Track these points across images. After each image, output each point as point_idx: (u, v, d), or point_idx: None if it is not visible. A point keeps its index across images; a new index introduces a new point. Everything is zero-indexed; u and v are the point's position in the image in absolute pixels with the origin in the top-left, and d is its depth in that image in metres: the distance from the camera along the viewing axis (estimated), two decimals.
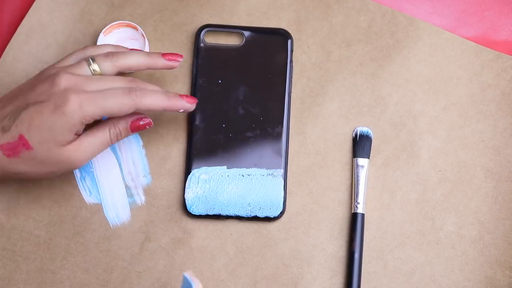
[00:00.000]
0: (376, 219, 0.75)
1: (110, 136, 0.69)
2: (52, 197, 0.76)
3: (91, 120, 0.66)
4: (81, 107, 0.65)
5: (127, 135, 0.70)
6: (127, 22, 0.77)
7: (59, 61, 0.71)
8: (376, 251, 0.74)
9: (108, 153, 0.76)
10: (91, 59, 0.69)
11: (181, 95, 0.70)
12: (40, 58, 0.78)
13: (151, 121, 0.70)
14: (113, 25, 0.77)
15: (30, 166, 0.67)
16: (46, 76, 0.68)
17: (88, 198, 0.76)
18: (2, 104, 0.67)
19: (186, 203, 0.74)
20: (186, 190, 0.75)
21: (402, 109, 0.77)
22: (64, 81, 0.66)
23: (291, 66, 0.77)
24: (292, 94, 0.77)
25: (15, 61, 0.78)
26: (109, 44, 0.72)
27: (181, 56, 0.72)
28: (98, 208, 0.75)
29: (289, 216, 0.75)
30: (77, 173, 0.76)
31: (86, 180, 0.76)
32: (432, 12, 0.79)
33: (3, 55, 0.78)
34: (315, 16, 0.79)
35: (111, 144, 0.69)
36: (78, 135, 0.67)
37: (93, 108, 0.65)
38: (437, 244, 0.74)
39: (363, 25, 0.78)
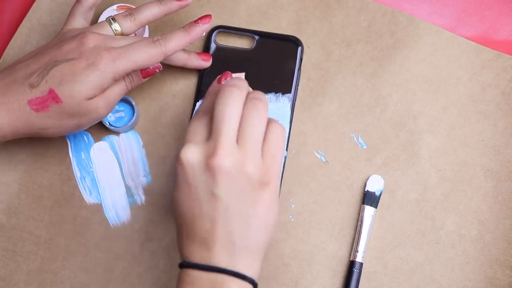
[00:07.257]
0: (376, 219, 0.75)
1: (126, 83, 0.71)
2: (53, 197, 0.76)
3: (123, 75, 0.69)
4: (114, 62, 0.68)
5: (139, 82, 0.72)
6: (128, 5, 0.77)
7: (66, 23, 0.72)
8: (376, 251, 0.74)
9: (108, 153, 0.76)
10: (112, 19, 0.71)
11: (195, 21, 0.73)
12: None
13: (160, 64, 0.72)
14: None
15: (58, 119, 0.68)
16: (71, 36, 0.70)
17: (88, 198, 0.76)
18: (26, 63, 0.69)
19: None
20: None
21: (402, 109, 0.77)
22: (92, 40, 0.69)
23: (299, 74, 0.77)
24: None
25: None
26: None
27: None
28: (98, 208, 0.75)
29: (289, 216, 0.75)
30: (77, 173, 0.76)
31: (86, 180, 0.76)
32: (432, 11, 0.79)
33: (3, 55, 0.78)
34: (315, 16, 0.79)
35: (128, 90, 0.71)
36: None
37: (125, 62, 0.68)
38: (437, 243, 0.74)
39: (363, 25, 0.78)
